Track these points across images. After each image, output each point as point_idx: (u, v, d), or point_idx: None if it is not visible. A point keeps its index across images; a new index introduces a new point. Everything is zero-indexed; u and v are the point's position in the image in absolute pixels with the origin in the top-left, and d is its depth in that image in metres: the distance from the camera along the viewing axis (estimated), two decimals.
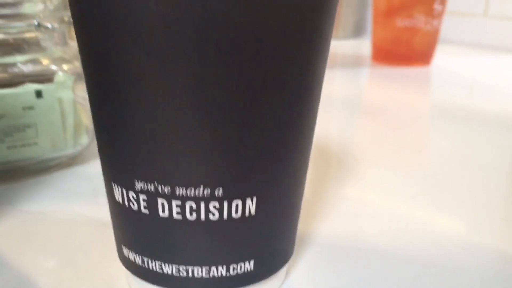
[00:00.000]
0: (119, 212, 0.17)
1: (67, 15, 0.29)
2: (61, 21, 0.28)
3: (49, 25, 0.26)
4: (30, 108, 0.27)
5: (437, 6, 0.60)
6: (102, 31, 0.15)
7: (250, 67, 0.15)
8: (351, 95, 0.49)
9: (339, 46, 0.76)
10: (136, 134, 0.16)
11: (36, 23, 0.26)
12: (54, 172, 0.29)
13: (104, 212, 0.25)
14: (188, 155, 0.15)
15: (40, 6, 0.27)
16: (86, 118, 0.31)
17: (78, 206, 0.25)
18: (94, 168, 0.30)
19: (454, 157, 0.33)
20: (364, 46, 0.75)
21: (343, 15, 0.79)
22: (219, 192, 0.16)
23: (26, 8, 0.27)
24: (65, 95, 0.28)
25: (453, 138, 0.37)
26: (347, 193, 0.28)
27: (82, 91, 0.30)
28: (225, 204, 0.16)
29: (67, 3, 0.29)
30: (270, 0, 0.14)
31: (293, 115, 0.16)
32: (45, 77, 0.28)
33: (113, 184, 0.17)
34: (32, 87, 0.27)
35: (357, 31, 0.82)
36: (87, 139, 0.30)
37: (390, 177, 0.30)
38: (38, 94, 0.27)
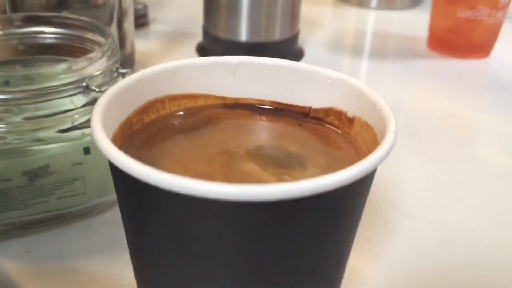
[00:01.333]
0: None
1: (115, 66, 0.29)
2: (111, 73, 0.29)
3: (96, 89, 0.27)
4: (79, 164, 0.28)
5: None
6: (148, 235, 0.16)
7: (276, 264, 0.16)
8: (398, 103, 0.48)
9: (395, 21, 0.73)
10: None
11: (85, 85, 0.27)
12: (98, 215, 0.31)
13: None
14: None
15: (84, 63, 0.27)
16: None
17: (123, 267, 0.27)
18: None
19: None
20: (421, 21, 0.72)
21: None
22: None
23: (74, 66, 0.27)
24: None
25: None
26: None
27: None
28: None
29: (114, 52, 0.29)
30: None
31: None
32: None
33: None
34: (81, 144, 0.28)
35: (415, 1, 0.78)
36: None
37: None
38: (86, 151, 0.28)
